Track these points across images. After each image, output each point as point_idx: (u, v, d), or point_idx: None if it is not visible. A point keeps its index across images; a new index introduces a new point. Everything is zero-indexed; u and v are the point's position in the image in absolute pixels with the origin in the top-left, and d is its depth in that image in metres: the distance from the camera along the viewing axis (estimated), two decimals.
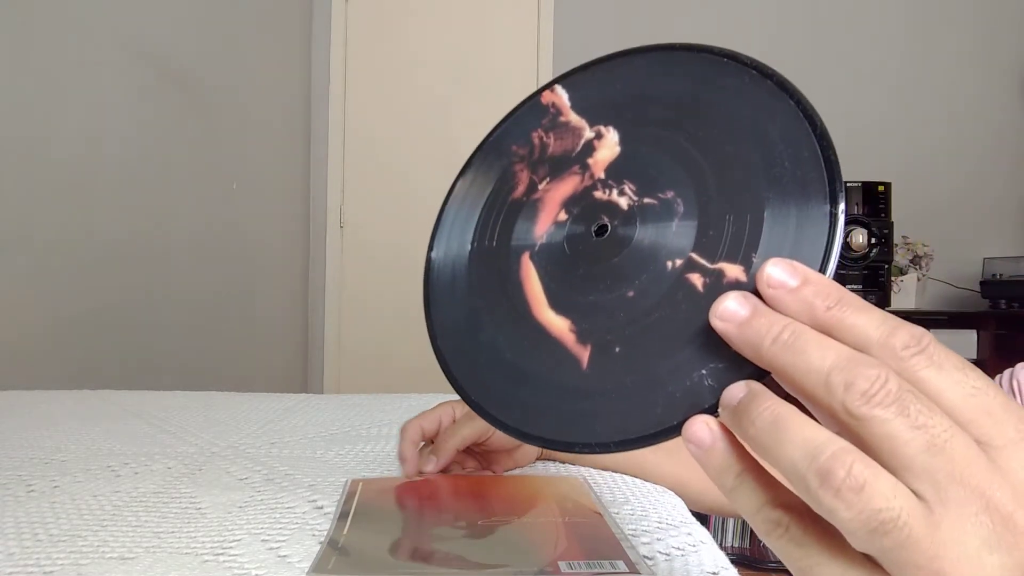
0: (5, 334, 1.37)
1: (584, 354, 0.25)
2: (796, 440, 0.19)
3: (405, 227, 2.80)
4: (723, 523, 2.13)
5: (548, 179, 0.29)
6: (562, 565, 0.38)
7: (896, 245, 2.23)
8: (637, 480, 0.58)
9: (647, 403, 0.23)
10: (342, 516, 0.47)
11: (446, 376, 0.28)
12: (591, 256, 0.27)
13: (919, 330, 0.20)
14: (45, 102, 1.48)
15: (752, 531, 2.04)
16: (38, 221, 1.47)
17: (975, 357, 2.11)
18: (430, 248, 0.32)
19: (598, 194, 0.28)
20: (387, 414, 0.87)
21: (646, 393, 0.23)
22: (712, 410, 0.22)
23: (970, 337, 2.12)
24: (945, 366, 0.19)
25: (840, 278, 2.07)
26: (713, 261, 0.24)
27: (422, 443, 0.57)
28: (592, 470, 0.60)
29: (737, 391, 0.21)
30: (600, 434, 0.23)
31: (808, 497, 0.18)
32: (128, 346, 1.73)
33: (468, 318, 0.29)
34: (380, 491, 0.52)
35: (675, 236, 0.25)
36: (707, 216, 0.25)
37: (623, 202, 0.27)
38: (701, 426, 0.21)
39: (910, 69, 2.61)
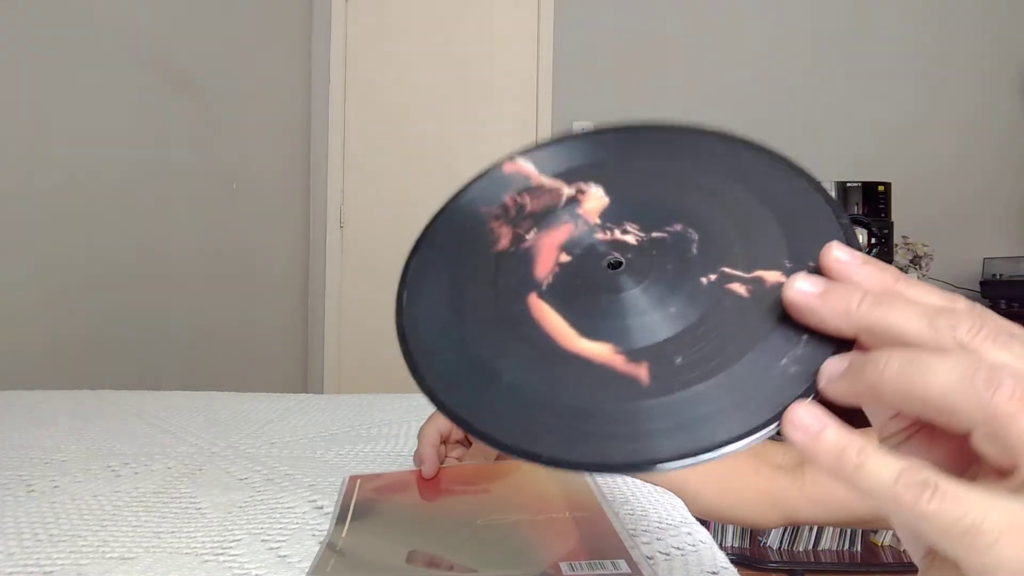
0: (5, 337, 1.37)
1: (641, 371, 0.24)
2: (944, 367, 0.18)
3: (405, 227, 2.79)
4: (723, 524, 2.14)
5: (536, 230, 0.29)
6: (564, 567, 0.38)
7: (896, 245, 2.23)
8: (637, 480, 0.58)
9: (730, 406, 0.22)
10: (340, 517, 0.47)
11: (492, 444, 0.24)
12: (610, 288, 0.26)
13: (973, 302, 0.21)
14: (45, 102, 1.48)
15: (752, 531, 2.03)
16: (38, 222, 1.47)
17: None
18: (401, 311, 0.29)
19: (600, 235, 0.28)
20: (387, 414, 0.87)
21: (725, 396, 0.22)
22: (804, 396, 0.21)
23: None
24: (1011, 331, 0.20)
25: None
26: (749, 271, 0.24)
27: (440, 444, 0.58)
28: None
29: (839, 360, 0.21)
30: (683, 447, 0.22)
31: (978, 415, 0.18)
32: (128, 346, 1.72)
33: (476, 370, 0.26)
34: (378, 488, 0.52)
35: (699, 257, 0.25)
36: (724, 239, 0.26)
37: (630, 239, 0.27)
38: (803, 412, 0.21)
39: (910, 69, 2.61)
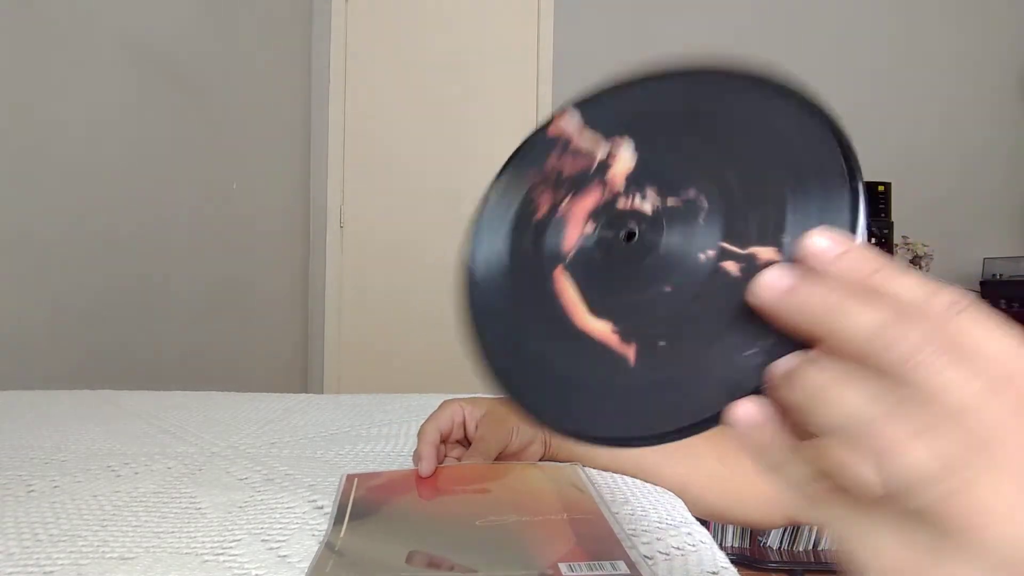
0: (5, 337, 1.37)
1: (630, 352, 0.25)
2: (837, 403, 0.19)
3: (405, 227, 2.80)
4: (723, 524, 2.14)
5: (569, 197, 0.30)
6: (563, 567, 0.38)
7: (896, 245, 2.23)
8: (637, 480, 0.58)
9: (696, 390, 0.24)
10: (338, 517, 0.47)
11: (512, 397, 0.28)
12: (623, 260, 0.27)
13: (960, 292, 0.20)
14: (45, 101, 1.48)
15: (752, 531, 2.03)
16: (37, 220, 1.47)
17: None
18: (470, 267, 0.32)
19: (622, 203, 0.28)
20: (387, 414, 0.87)
21: (694, 381, 0.24)
22: (759, 391, 0.22)
23: None
24: (987, 325, 0.19)
25: None
26: (745, 247, 0.24)
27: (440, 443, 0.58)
28: (591, 470, 0.60)
29: (784, 362, 0.21)
30: (655, 426, 0.24)
31: (849, 458, 0.19)
32: (128, 347, 1.73)
33: (513, 337, 0.29)
34: (375, 488, 0.52)
35: (703, 231, 0.26)
36: (732, 207, 0.26)
37: (647, 207, 0.28)
38: (749, 405, 0.22)
39: (910, 69, 2.62)
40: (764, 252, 0.24)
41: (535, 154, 0.32)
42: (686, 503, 0.55)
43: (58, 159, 1.52)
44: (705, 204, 0.26)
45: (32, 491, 0.54)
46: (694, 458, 0.58)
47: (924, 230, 2.42)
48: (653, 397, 0.24)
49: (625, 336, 0.26)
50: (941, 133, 2.59)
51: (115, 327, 1.68)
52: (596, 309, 0.27)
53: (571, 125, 0.31)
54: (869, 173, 2.23)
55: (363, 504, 0.49)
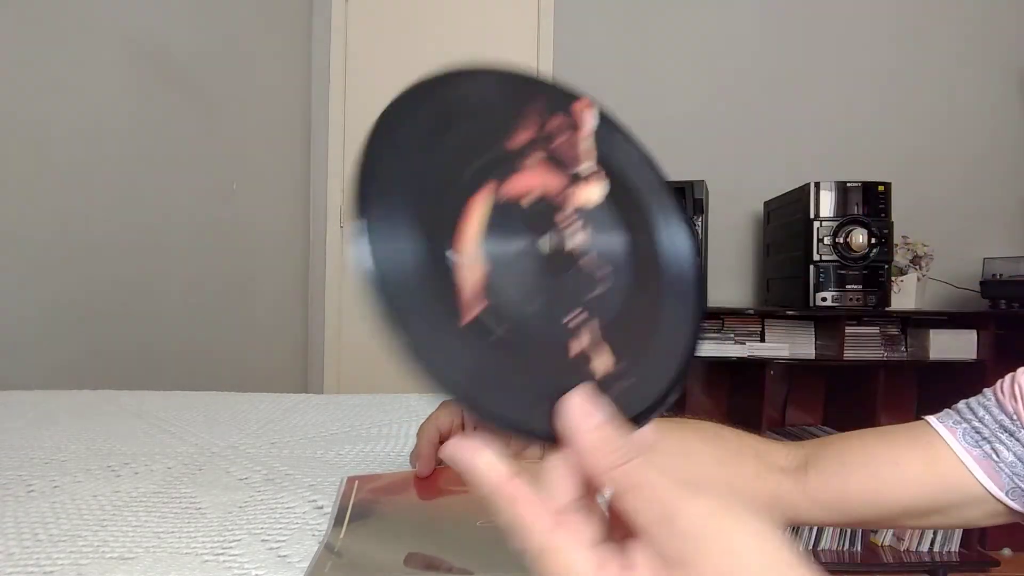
0: (5, 337, 1.37)
1: (471, 313, 0.25)
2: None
3: None
4: None
5: (542, 158, 0.30)
6: None
7: (896, 245, 2.23)
8: None
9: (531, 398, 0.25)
10: (338, 519, 0.47)
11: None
12: (529, 250, 0.28)
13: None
14: (44, 100, 1.48)
15: None
16: (37, 220, 1.47)
17: (975, 357, 2.11)
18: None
19: (563, 216, 0.29)
20: (387, 414, 0.87)
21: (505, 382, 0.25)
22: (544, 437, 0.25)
23: (970, 337, 2.12)
24: None
25: (840, 278, 2.07)
26: (602, 339, 0.27)
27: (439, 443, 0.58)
28: None
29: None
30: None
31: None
32: (128, 347, 1.72)
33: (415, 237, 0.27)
34: (376, 490, 0.52)
35: (592, 297, 0.28)
36: (623, 308, 0.28)
37: (575, 239, 0.29)
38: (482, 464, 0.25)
39: (910, 69, 2.61)
40: (604, 360, 0.27)
41: (558, 95, 0.32)
42: None
43: (58, 159, 1.52)
44: (609, 283, 0.28)
45: (32, 491, 0.54)
46: (692, 462, 0.58)
47: (924, 230, 2.42)
48: (444, 357, 0.24)
49: (486, 291, 0.26)
50: (941, 133, 2.59)
51: (114, 327, 1.68)
52: (483, 245, 0.26)
53: (589, 122, 0.32)
54: (869, 173, 2.23)
55: (363, 506, 0.49)
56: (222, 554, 0.42)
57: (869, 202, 2.10)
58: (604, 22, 2.72)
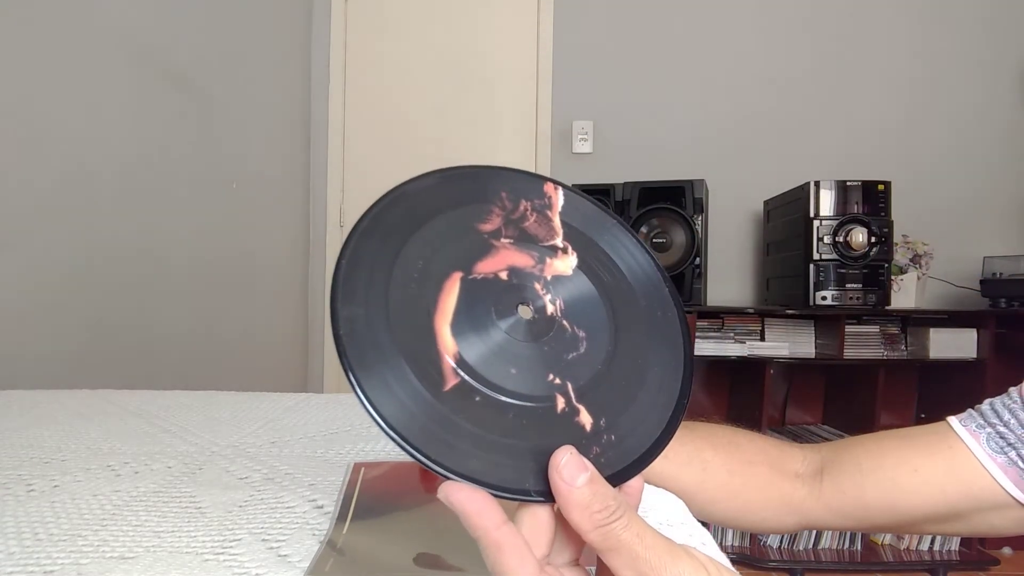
0: (5, 337, 1.37)
1: (451, 381, 0.26)
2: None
3: None
4: None
5: (512, 240, 0.31)
6: None
7: (896, 244, 2.23)
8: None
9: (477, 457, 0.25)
10: (341, 515, 0.47)
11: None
12: (509, 323, 0.29)
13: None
14: (44, 101, 1.48)
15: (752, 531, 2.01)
16: (37, 220, 1.47)
17: (975, 356, 2.11)
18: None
19: (537, 286, 0.31)
20: None
21: (483, 452, 0.25)
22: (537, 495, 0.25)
23: (970, 336, 2.12)
24: None
25: (840, 277, 2.07)
26: (577, 401, 0.28)
27: None
28: None
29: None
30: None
31: None
32: (127, 346, 1.72)
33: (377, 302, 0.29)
34: (380, 478, 0.52)
35: (567, 363, 0.29)
36: (602, 368, 0.29)
37: (549, 308, 0.30)
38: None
39: (910, 68, 2.61)
40: (584, 417, 0.27)
41: (523, 186, 0.33)
42: (691, 509, 0.54)
43: (58, 159, 1.52)
44: (582, 348, 0.29)
45: (32, 491, 0.54)
46: (705, 471, 0.57)
47: (924, 229, 2.42)
48: (434, 430, 0.25)
49: (459, 365, 0.27)
50: (941, 132, 2.59)
51: (114, 326, 1.68)
52: (456, 327, 0.28)
53: (558, 202, 0.33)
54: (869, 172, 2.23)
55: (367, 499, 0.49)
56: (222, 553, 0.42)
57: (869, 201, 2.10)
58: (604, 22, 2.72)
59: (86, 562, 0.41)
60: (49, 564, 0.40)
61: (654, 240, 2.25)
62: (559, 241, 0.32)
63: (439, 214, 0.31)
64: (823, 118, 2.63)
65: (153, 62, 1.83)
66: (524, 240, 0.31)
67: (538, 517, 0.25)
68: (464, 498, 0.24)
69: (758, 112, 2.64)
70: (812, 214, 2.12)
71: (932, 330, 2.13)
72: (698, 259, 2.21)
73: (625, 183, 2.31)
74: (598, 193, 2.31)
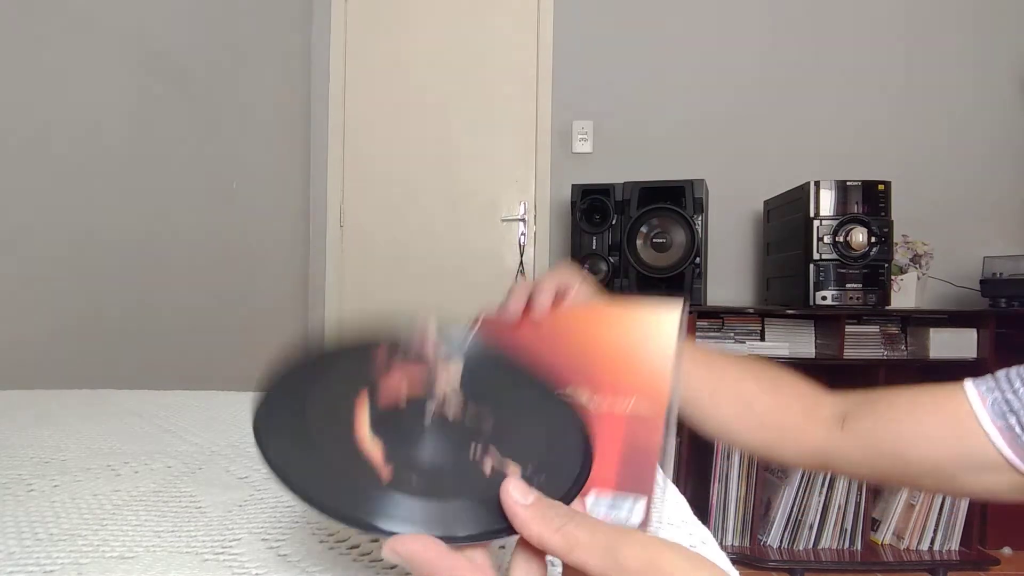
0: (5, 337, 1.37)
1: (386, 472, 0.31)
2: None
3: (405, 227, 2.80)
4: (723, 523, 2.13)
5: (404, 357, 0.39)
6: (588, 500, 0.35)
7: (896, 244, 2.23)
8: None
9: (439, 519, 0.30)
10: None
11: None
12: (422, 419, 0.35)
13: None
14: (44, 100, 1.48)
15: (752, 531, 2.03)
16: (37, 220, 1.47)
17: (975, 356, 2.11)
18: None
19: (436, 389, 0.37)
20: None
21: (437, 515, 0.30)
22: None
23: (970, 336, 2.12)
24: None
25: (840, 277, 2.07)
26: (504, 458, 0.33)
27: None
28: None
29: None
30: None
31: None
32: (127, 345, 1.73)
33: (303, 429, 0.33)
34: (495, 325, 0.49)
35: (484, 431, 0.35)
36: (514, 440, 0.35)
37: (451, 402, 0.36)
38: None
39: (910, 68, 2.61)
40: (516, 472, 0.32)
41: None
42: (725, 440, 0.59)
43: (58, 159, 1.52)
44: (489, 425, 0.35)
45: (32, 491, 0.54)
46: (744, 404, 0.59)
47: (924, 229, 2.42)
48: (393, 505, 0.30)
49: (388, 458, 0.32)
50: (941, 132, 2.59)
51: (114, 326, 1.68)
52: (375, 427, 0.33)
53: (431, 332, 0.41)
54: (869, 172, 2.23)
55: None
56: (222, 553, 0.42)
57: (869, 201, 2.10)
58: (604, 22, 2.72)
59: (86, 562, 0.41)
60: (49, 564, 0.40)
61: (654, 240, 2.25)
62: (441, 356, 0.39)
63: (340, 378, 0.38)
64: (823, 118, 2.63)
65: (154, 61, 1.83)
66: (414, 364, 0.39)
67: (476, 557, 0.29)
68: (415, 548, 0.27)
69: (758, 112, 2.64)
70: (812, 214, 2.12)
71: (932, 330, 2.13)
72: (698, 259, 2.21)
73: (625, 183, 2.31)
74: (598, 193, 2.31)
